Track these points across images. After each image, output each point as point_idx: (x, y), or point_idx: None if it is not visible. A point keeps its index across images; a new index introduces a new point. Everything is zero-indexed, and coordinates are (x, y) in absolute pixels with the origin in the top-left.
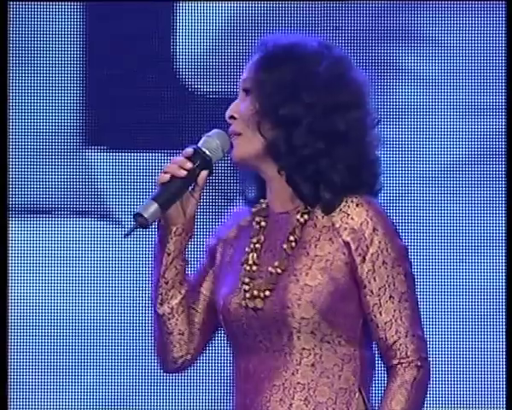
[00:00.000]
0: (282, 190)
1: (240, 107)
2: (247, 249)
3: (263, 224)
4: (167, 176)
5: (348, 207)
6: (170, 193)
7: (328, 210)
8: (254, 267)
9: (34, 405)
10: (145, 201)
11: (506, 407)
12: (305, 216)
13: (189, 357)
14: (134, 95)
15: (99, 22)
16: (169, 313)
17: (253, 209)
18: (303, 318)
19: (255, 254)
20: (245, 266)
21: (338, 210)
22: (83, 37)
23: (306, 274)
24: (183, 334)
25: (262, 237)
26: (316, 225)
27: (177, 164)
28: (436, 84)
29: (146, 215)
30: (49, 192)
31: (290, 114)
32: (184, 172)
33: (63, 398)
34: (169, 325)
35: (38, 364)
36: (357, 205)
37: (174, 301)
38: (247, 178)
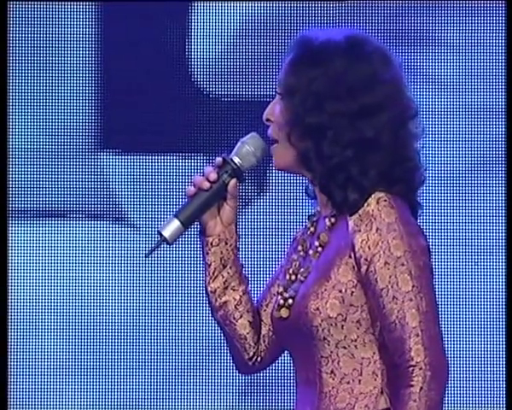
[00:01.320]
0: (321, 196)
1: (275, 110)
2: (294, 256)
3: (312, 229)
4: (193, 189)
5: (362, 206)
6: (194, 207)
7: (353, 210)
8: (293, 277)
9: (34, 405)
10: (167, 218)
11: (506, 408)
12: (332, 220)
13: (258, 359)
14: (148, 97)
15: (112, 23)
16: (225, 320)
17: (311, 212)
18: (312, 326)
19: (297, 263)
20: (286, 275)
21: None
22: (94, 38)
23: (315, 281)
24: (245, 338)
25: (308, 244)
26: (339, 230)
27: (204, 175)
28: (435, 84)
29: (166, 235)
30: (63, 195)
31: (315, 125)
32: (208, 184)
33: (63, 399)
34: (228, 330)
35: (38, 365)
36: (367, 205)
37: (228, 308)
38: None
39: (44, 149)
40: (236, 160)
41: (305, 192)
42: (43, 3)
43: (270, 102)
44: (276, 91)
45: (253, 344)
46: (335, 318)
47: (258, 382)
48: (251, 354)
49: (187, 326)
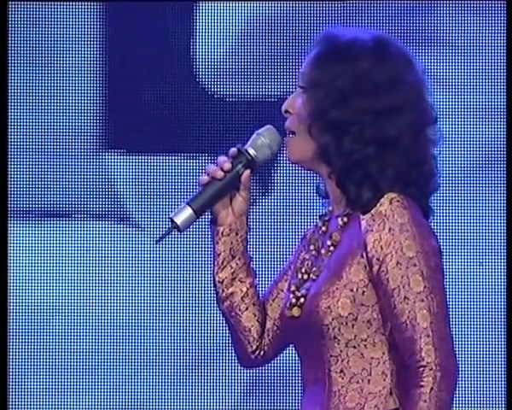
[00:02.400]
0: (335, 193)
1: (296, 102)
2: (306, 256)
3: (323, 229)
4: (207, 177)
5: (375, 206)
6: (207, 196)
7: (366, 209)
8: (305, 276)
9: (34, 405)
10: (180, 205)
11: (506, 407)
12: (345, 219)
13: (261, 353)
14: (152, 97)
15: (116, 23)
16: (230, 311)
17: (322, 212)
18: (323, 324)
19: (310, 262)
20: (298, 273)
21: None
22: (97, 38)
23: (327, 280)
24: (249, 331)
25: (320, 243)
26: (351, 229)
27: (218, 165)
28: (434, 84)
29: (178, 222)
30: (68, 195)
31: (338, 120)
32: (221, 174)
33: (63, 399)
34: (233, 322)
35: (39, 366)
36: (380, 205)
37: (234, 299)
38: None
39: (48, 149)
40: (251, 151)
41: (316, 192)
42: (44, 3)
43: (275, 101)
44: (297, 85)
45: (256, 337)
46: (346, 317)
47: (262, 382)
48: (254, 347)
49: (191, 326)
